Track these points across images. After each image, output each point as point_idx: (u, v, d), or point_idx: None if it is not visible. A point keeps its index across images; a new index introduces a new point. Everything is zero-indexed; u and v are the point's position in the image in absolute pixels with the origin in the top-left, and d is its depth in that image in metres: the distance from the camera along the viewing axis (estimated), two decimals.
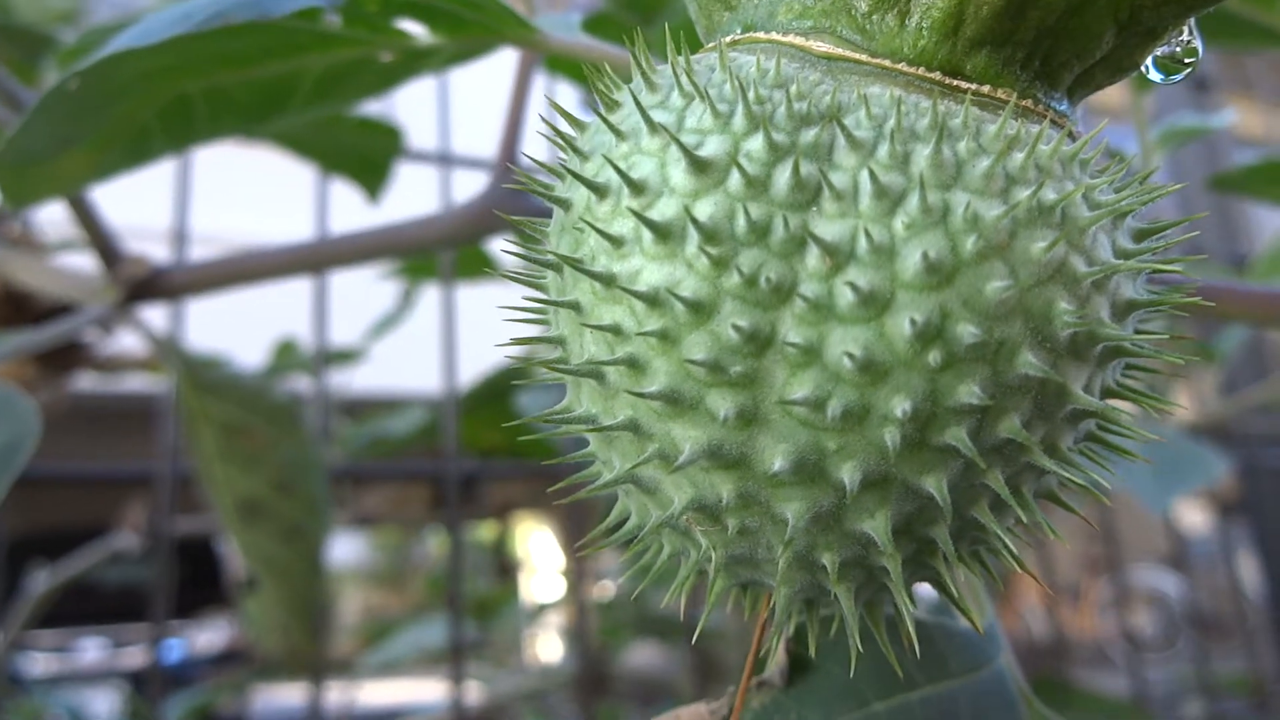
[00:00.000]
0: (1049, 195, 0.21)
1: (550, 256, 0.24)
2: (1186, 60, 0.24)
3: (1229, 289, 0.46)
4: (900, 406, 0.20)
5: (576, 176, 0.23)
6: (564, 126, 0.26)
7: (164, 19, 0.40)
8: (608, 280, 0.22)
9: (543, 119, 0.25)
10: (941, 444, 0.21)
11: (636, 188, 0.22)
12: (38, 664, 4.56)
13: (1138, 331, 0.24)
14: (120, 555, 1.38)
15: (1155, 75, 0.24)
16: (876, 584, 0.24)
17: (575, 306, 0.24)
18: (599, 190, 0.23)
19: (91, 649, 5.03)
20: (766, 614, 0.28)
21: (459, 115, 1.25)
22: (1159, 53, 0.24)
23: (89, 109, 0.44)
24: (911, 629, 0.24)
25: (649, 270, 0.22)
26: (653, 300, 0.22)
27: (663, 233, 0.22)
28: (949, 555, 0.23)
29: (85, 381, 0.98)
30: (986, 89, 0.23)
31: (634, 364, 0.22)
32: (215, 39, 0.40)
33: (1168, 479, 1.04)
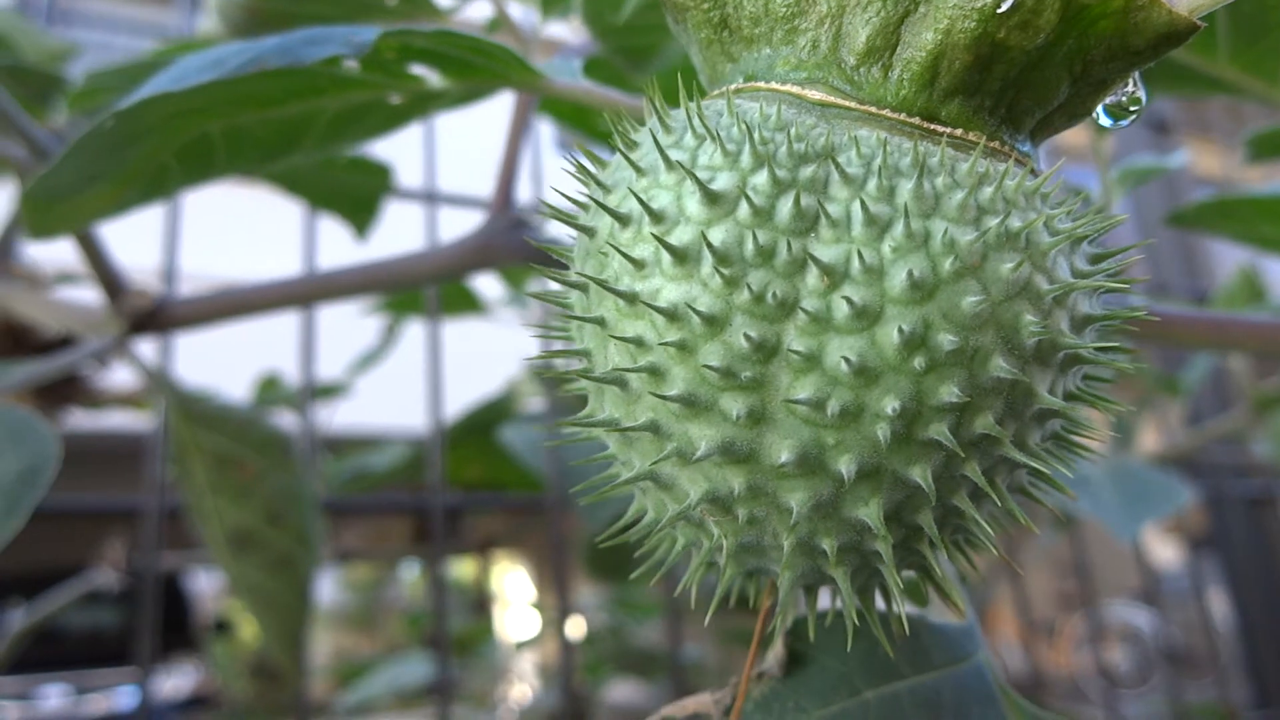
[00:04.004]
0: (1015, 223, 0.25)
1: (577, 278, 0.27)
2: (1131, 108, 0.27)
3: (1188, 316, 0.49)
4: (890, 405, 0.23)
5: (602, 206, 0.26)
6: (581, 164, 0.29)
7: (196, 64, 0.43)
8: (631, 298, 0.25)
9: (566, 159, 0.29)
10: (926, 438, 0.24)
11: (656, 216, 0.25)
12: None
13: (1094, 344, 0.28)
14: (92, 596, 1.36)
15: (1105, 120, 0.28)
16: (870, 568, 0.27)
17: (601, 321, 0.26)
18: (622, 219, 0.26)
19: (54, 696, 4.91)
20: (769, 603, 0.30)
21: (443, 153, 1.28)
22: (1109, 101, 0.28)
23: (117, 148, 0.47)
24: (901, 611, 0.27)
25: (668, 289, 0.25)
26: (672, 315, 0.25)
27: (680, 256, 0.25)
28: (934, 539, 0.26)
29: (69, 418, 0.98)
30: (959, 132, 0.26)
31: (655, 371, 0.25)
32: (244, 82, 0.43)
33: (1135, 508, 1.07)
